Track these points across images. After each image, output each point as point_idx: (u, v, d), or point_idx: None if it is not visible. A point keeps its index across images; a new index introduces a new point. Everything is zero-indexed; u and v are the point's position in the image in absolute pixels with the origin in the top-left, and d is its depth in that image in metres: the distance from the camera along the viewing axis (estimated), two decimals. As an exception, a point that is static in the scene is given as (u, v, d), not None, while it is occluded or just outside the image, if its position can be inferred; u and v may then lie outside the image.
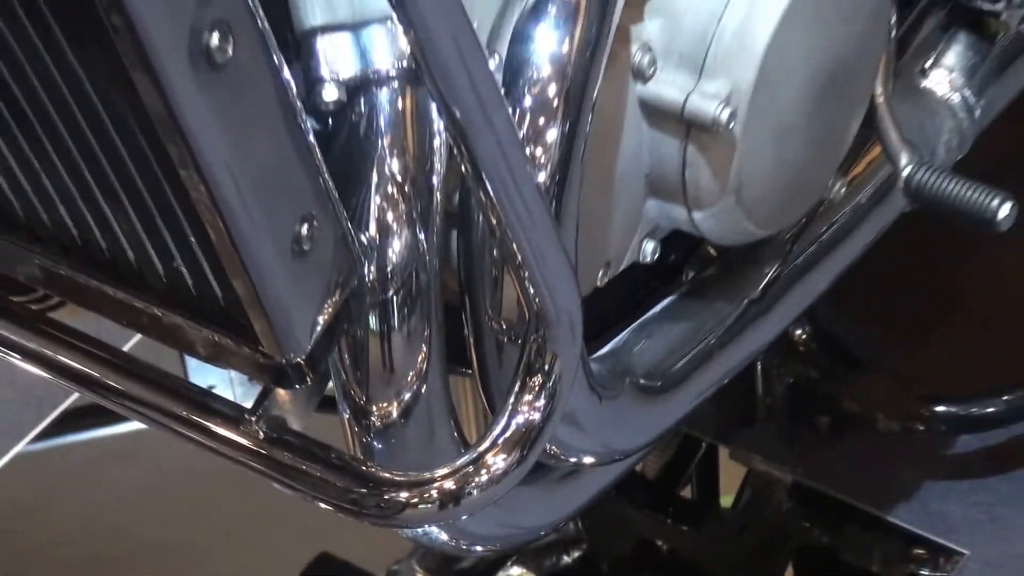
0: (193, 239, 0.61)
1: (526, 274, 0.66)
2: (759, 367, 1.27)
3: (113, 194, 0.63)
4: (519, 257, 0.65)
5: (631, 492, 1.28)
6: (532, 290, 0.67)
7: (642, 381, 0.86)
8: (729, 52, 0.78)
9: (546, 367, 0.69)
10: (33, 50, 0.57)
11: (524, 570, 1.23)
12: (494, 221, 0.64)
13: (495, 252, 0.71)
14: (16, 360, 0.81)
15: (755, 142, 0.80)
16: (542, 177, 0.70)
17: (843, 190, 0.97)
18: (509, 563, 1.22)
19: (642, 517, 1.28)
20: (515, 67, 0.71)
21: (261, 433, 0.70)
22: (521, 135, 0.70)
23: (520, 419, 0.69)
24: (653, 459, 1.29)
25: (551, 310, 0.68)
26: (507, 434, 0.69)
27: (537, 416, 0.68)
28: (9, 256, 0.74)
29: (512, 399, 0.69)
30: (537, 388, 0.68)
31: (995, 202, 0.93)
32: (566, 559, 1.25)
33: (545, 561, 1.24)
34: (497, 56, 0.72)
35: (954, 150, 1.05)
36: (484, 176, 0.62)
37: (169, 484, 1.39)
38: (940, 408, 1.29)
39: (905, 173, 0.95)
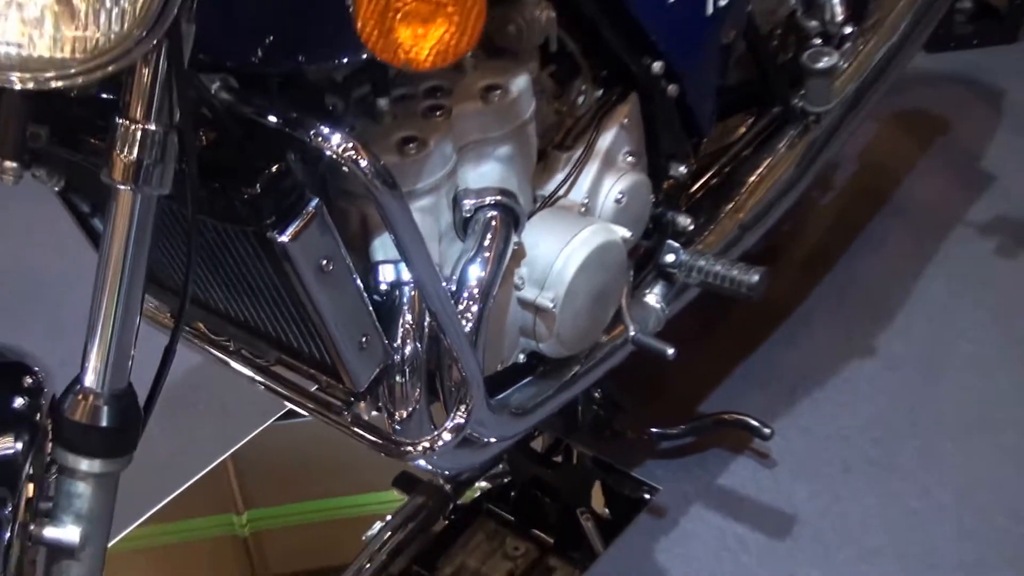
0: (321, 342, 1.64)
1: (461, 365, 1.72)
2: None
3: (279, 323, 1.65)
4: (458, 360, 1.71)
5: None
6: (461, 372, 1.72)
7: (514, 409, 1.92)
8: (553, 280, 1.82)
9: (465, 402, 1.75)
10: (246, 255, 1.58)
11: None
12: (446, 342, 1.69)
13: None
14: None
15: (564, 316, 1.85)
16: (471, 321, 1.71)
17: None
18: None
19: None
20: (464, 277, 1.70)
21: (350, 416, 1.78)
22: (462, 305, 1.71)
23: (455, 422, 1.75)
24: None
25: (466, 378, 1.72)
26: (450, 426, 1.75)
27: (462, 420, 1.74)
28: (209, 323, 1.79)
29: (454, 413, 1.75)
30: (463, 410, 1.74)
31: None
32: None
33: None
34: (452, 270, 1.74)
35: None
36: (440, 321, 1.66)
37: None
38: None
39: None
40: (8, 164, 1.38)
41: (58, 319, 2.78)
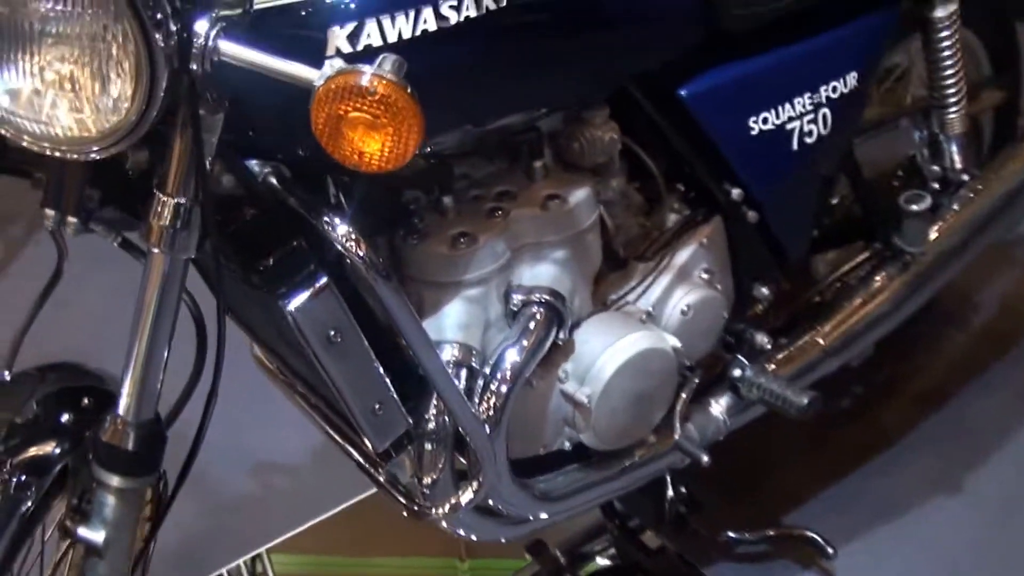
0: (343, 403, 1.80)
1: (472, 442, 1.85)
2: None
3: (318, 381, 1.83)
4: (470, 438, 1.86)
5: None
6: (474, 449, 1.88)
7: (541, 492, 2.04)
8: (592, 378, 1.95)
9: (478, 477, 1.90)
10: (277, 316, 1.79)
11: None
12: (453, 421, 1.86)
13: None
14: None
15: (600, 412, 1.96)
16: (497, 401, 1.84)
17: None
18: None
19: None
20: (499, 360, 1.83)
21: (385, 475, 1.95)
22: (493, 385, 1.83)
23: (467, 494, 1.89)
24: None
25: (477, 454, 1.86)
26: (463, 497, 1.89)
27: (471, 494, 1.88)
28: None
29: (469, 485, 1.90)
30: (476, 484, 1.89)
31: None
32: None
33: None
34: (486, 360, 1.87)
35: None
36: (446, 402, 1.80)
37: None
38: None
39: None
40: (70, 219, 1.65)
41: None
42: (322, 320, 1.69)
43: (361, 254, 1.64)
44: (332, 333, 1.71)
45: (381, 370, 1.77)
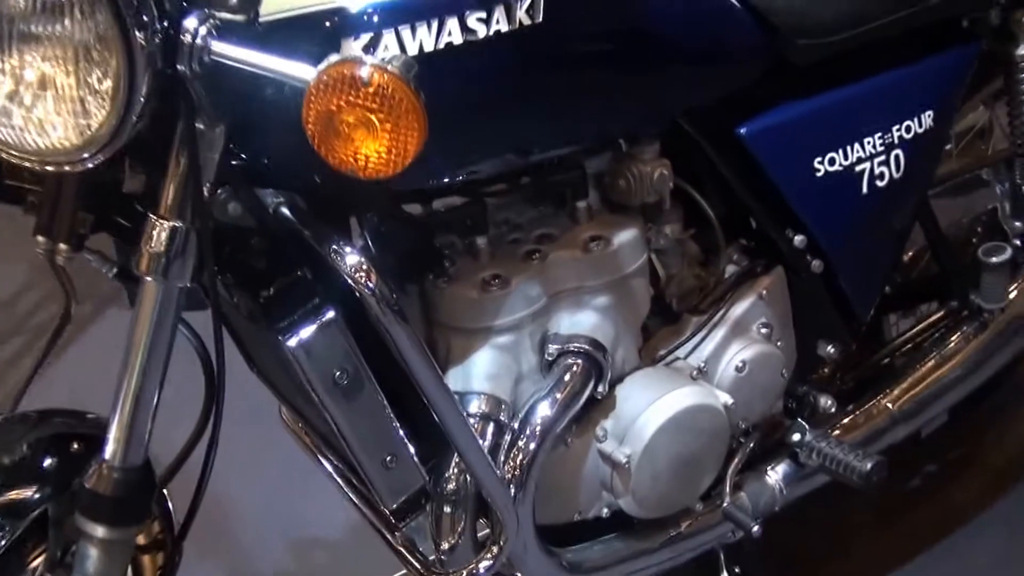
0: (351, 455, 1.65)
1: (495, 504, 1.69)
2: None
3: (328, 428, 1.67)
4: (491, 499, 1.69)
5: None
6: (498, 511, 1.71)
7: (572, 562, 1.87)
8: (632, 437, 1.80)
9: (499, 542, 1.73)
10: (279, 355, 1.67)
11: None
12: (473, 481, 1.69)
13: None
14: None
15: (641, 475, 1.81)
16: (525, 458, 1.68)
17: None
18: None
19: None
20: (529, 414, 1.70)
21: (403, 540, 1.79)
22: (521, 441, 1.68)
23: (485, 561, 1.71)
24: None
25: (500, 516, 1.70)
26: (481, 563, 1.72)
27: (490, 561, 1.72)
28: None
29: (488, 550, 1.73)
30: (496, 549, 1.72)
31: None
32: None
33: None
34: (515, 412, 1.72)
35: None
36: (465, 459, 1.64)
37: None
38: None
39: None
40: (61, 246, 1.52)
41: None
42: (326, 358, 1.57)
43: (371, 286, 1.51)
44: (338, 374, 1.58)
45: (394, 419, 1.65)
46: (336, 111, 1.25)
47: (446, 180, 1.62)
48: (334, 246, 1.51)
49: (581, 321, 1.77)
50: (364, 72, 1.24)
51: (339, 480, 1.89)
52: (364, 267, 1.51)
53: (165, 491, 1.72)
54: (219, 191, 1.48)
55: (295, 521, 2.57)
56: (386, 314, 1.53)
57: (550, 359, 1.75)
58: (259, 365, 1.82)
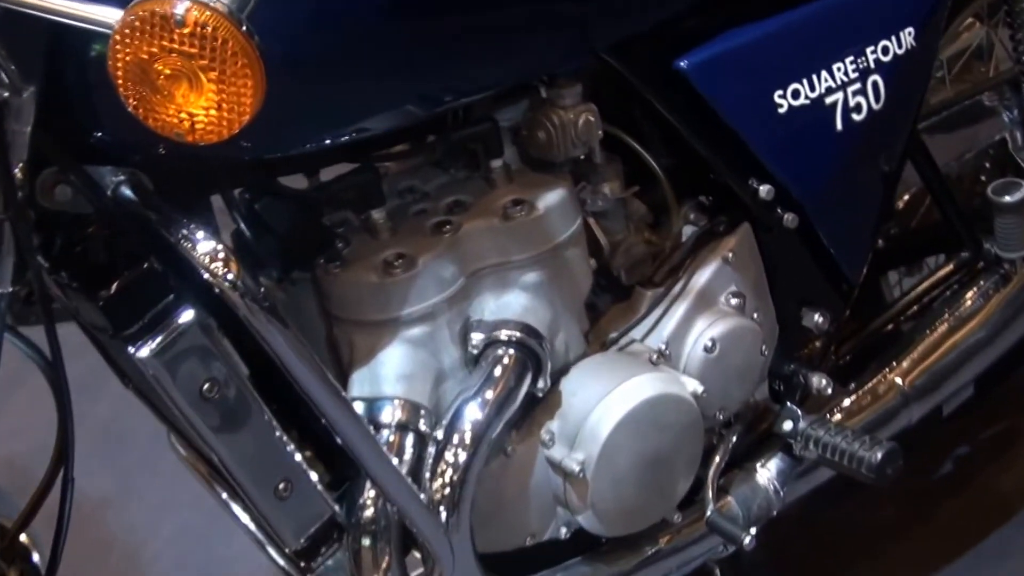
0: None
1: (421, 534, 1.54)
2: None
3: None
4: (416, 528, 1.54)
5: None
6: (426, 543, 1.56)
7: None
8: (585, 440, 1.62)
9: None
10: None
11: None
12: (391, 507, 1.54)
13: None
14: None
15: (600, 484, 1.63)
16: (455, 473, 1.53)
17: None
18: None
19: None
20: (454, 420, 1.55)
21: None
22: (449, 453, 1.53)
23: None
24: None
25: (434, 559, 1.56)
26: None
27: None
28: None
29: None
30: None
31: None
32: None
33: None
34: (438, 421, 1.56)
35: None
36: (376, 481, 1.50)
37: None
38: None
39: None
40: None
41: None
42: (188, 368, 1.42)
43: (231, 278, 1.37)
44: (206, 386, 1.43)
45: (286, 438, 1.51)
46: (148, 60, 1.16)
47: (326, 142, 1.47)
48: (183, 231, 1.38)
49: (509, 303, 1.64)
50: (179, 9, 1.15)
51: (239, 514, 1.73)
52: (221, 255, 1.37)
53: (25, 537, 1.61)
54: (41, 173, 1.37)
55: (213, 564, 2.45)
56: (253, 311, 1.39)
57: (475, 351, 1.62)
58: (132, 380, 1.68)
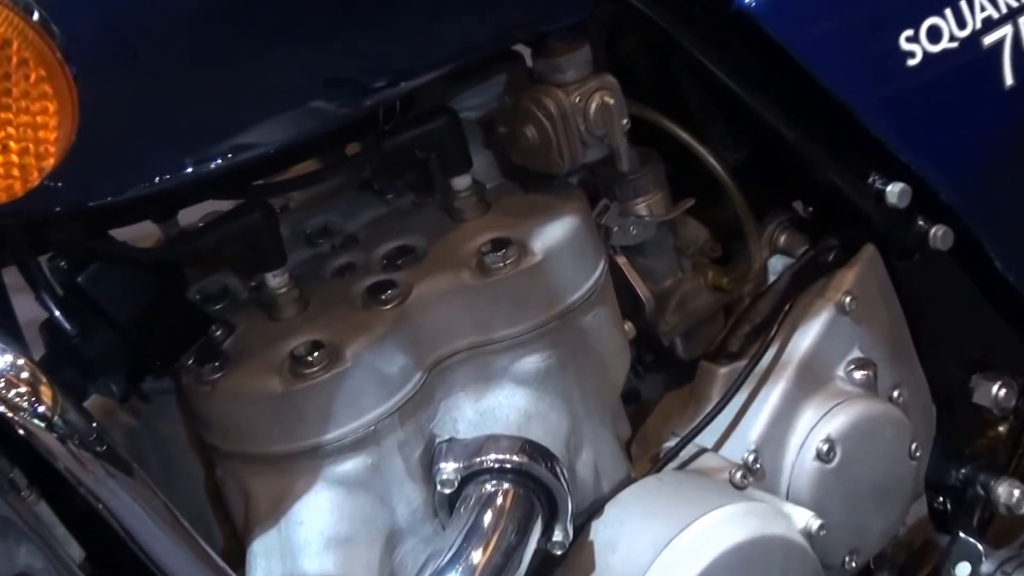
0: None
1: None
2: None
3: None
4: None
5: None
6: None
7: None
8: None
9: None
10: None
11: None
12: None
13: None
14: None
15: None
16: None
17: None
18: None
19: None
20: None
21: None
22: None
23: None
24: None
25: None
26: None
27: None
28: None
29: None
30: None
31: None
32: None
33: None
34: None
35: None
36: None
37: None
38: None
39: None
40: None
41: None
42: None
43: (41, 411, 1.14)
44: None
45: None
46: None
47: (186, 171, 1.20)
48: None
49: (497, 409, 1.35)
50: None
51: None
52: (24, 374, 1.14)
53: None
54: None
55: None
56: (79, 461, 1.15)
57: (448, 491, 1.32)
58: None
